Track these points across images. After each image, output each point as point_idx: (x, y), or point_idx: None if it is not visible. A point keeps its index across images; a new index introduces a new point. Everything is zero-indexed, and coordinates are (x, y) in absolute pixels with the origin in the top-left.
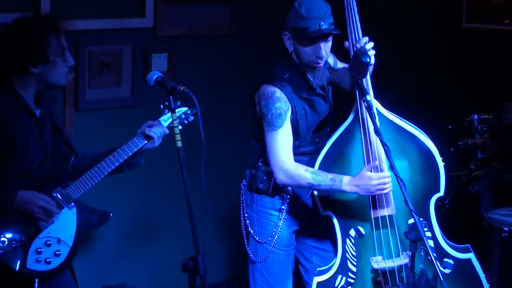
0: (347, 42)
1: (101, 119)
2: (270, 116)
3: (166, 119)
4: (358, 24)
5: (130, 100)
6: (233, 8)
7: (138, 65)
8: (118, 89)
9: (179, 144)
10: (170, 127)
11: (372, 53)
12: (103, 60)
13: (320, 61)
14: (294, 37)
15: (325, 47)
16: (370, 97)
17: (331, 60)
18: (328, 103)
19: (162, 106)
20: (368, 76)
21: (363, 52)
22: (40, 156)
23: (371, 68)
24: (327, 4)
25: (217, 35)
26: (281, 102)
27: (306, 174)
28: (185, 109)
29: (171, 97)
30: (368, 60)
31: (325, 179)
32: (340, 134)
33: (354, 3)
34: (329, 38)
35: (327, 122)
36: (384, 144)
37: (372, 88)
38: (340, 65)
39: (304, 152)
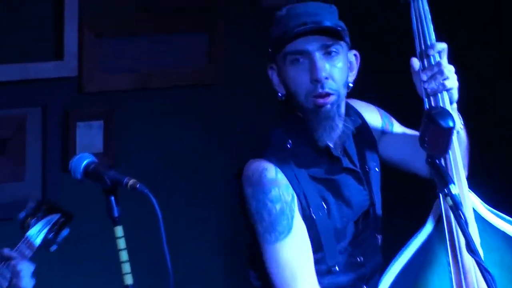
0: (415, 62)
1: None
2: (266, 216)
3: (37, 233)
4: (430, 25)
5: None
6: (213, 38)
7: (54, 142)
8: (20, 185)
9: (129, 280)
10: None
11: (453, 84)
12: None
13: (320, 90)
14: (277, 59)
15: (326, 64)
16: (458, 188)
17: (375, 117)
18: (365, 185)
19: (23, 214)
20: (457, 149)
21: (442, 111)
22: None
23: (454, 96)
24: (328, 5)
25: (188, 85)
26: (279, 187)
27: None
28: (53, 217)
29: (112, 197)
30: (451, 125)
31: None
32: (413, 254)
33: (428, 21)
34: (332, 51)
35: (370, 221)
36: (484, 271)
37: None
38: (399, 128)
39: (339, 284)
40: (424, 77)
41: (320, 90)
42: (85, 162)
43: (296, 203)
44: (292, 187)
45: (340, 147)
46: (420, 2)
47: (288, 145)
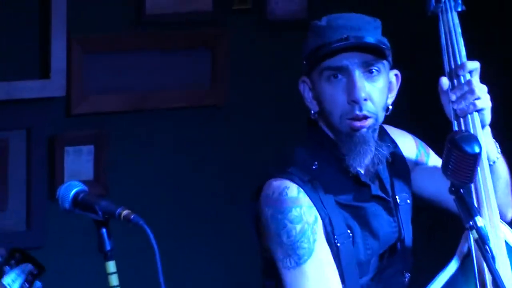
0: (445, 82)
1: None
2: (285, 238)
3: (12, 281)
4: (461, 40)
5: (25, 237)
6: (216, 54)
7: (39, 169)
8: (3, 215)
9: None
10: None
11: (485, 104)
12: None
13: (358, 112)
14: (312, 73)
15: (366, 84)
16: (489, 219)
17: (410, 146)
18: (394, 216)
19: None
20: (487, 174)
21: (467, 136)
22: None
23: (486, 118)
24: (373, 18)
25: (188, 106)
26: (300, 206)
27: None
28: (26, 266)
29: (104, 230)
30: (477, 151)
31: None
32: None
33: (458, 35)
34: (374, 69)
35: (397, 257)
36: None
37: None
38: (435, 160)
39: None
40: (453, 97)
41: (357, 112)
42: (74, 191)
43: (320, 226)
44: (317, 210)
45: (371, 174)
46: (449, 14)
47: (314, 167)
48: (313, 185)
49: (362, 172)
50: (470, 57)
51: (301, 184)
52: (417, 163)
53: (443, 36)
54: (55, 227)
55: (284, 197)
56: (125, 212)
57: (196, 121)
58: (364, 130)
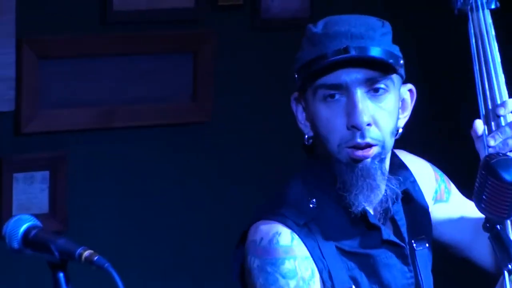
0: (479, 126)
1: None
2: None
3: None
4: (494, 45)
5: None
6: (200, 60)
7: None
8: None
9: None
10: None
11: None
12: None
13: (359, 140)
14: (306, 92)
15: (370, 105)
16: None
17: (429, 178)
18: (410, 264)
19: None
20: None
21: (505, 160)
22: None
23: None
24: (380, 21)
25: (164, 124)
26: (294, 258)
27: None
28: None
29: (61, 274)
30: None
31: None
32: None
33: (491, 38)
34: (380, 87)
35: None
36: None
37: None
38: (457, 199)
39: None
40: (491, 142)
41: (358, 140)
42: (24, 227)
43: (317, 282)
44: (314, 261)
45: (381, 213)
46: (480, 13)
47: (311, 205)
48: (310, 230)
49: (371, 211)
50: (504, 62)
51: (295, 229)
52: (435, 201)
53: (473, 39)
54: (2, 271)
55: (274, 246)
56: (86, 252)
57: (175, 141)
58: (368, 160)
